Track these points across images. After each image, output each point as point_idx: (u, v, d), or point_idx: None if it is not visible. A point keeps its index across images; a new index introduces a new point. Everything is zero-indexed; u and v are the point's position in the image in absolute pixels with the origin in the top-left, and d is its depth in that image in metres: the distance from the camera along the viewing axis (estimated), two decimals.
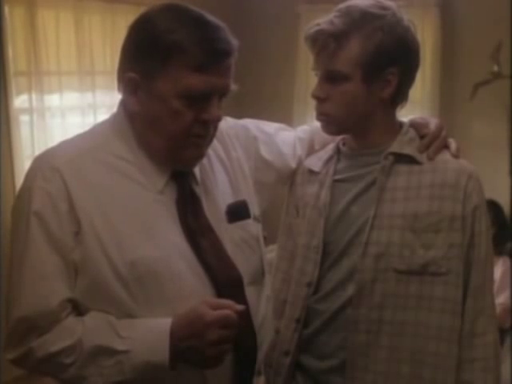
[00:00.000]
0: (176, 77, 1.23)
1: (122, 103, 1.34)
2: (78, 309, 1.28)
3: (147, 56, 1.24)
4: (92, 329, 1.25)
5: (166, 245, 1.28)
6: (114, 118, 1.37)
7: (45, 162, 1.29)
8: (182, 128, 1.26)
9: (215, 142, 1.42)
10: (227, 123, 1.53)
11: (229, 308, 1.21)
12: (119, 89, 1.32)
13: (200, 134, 1.28)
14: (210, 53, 1.23)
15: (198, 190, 1.37)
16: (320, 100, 1.46)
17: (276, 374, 1.58)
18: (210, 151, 1.41)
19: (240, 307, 1.22)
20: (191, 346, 1.21)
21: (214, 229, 1.35)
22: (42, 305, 1.24)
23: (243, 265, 1.37)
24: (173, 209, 1.32)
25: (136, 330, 1.23)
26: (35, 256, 1.25)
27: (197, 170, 1.38)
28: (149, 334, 1.23)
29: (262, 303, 1.44)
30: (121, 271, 1.24)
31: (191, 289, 1.29)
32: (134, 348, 1.22)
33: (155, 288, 1.26)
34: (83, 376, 1.24)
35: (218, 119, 1.29)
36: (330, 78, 1.44)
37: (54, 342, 1.25)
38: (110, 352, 1.22)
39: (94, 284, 1.25)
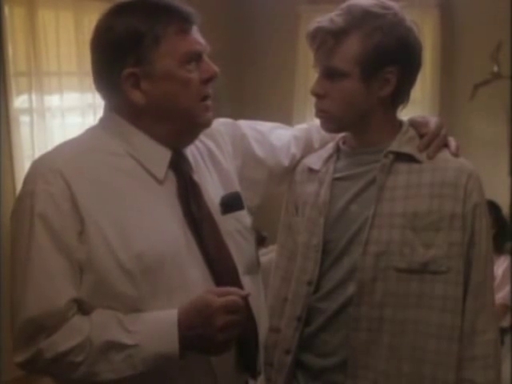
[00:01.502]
0: (170, 49, 1.30)
1: (117, 106, 1.35)
2: (83, 308, 1.28)
3: (135, 47, 1.29)
4: (100, 325, 1.25)
5: (168, 235, 1.31)
6: (103, 121, 1.39)
7: (44, 165, 1.31)
8: (195, 93, 1.33)
9: (206, 138, 1.47)
10: (218, 121, 1.55)
11: (234, 294, 1.24)
12: (105, 96, 1.35)
13: (208, 95, 1.35)
14: (184, 17, 1.32)
15: (197, 178, 1.40)
16: (319, 97, 1.47)
17: (277, 373, 1.58)
18: (200, 146, 1.47)
19: (244, 292, 1.26)
20: (200, 334, 1.23)
21: (214, 216, 1.38)
22: (49, 305, 1.25)
23: (238, 255, 1.40)
24: (174, 198, 1.35)
25: (144, 324, 1.25)
26: (40, 257, 1.25)
27: (191, 160, 1.41)
28: (157, 326, 1.24)
29: (258, 293, 1.47)
30: (126, 265, 1.26)
31: (193, 278, 1.31)
32: (143, 341, 1.23)
33: (161, 279, 1.28)
34: (95, 372, 1.25)
35: (217, 73, 1.35)
36: (329, 74, 1.44)
37: (63, 341, 1.25)
38: (119, 347, 1.23)
39: (100, 281, 1.26)
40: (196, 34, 1.34)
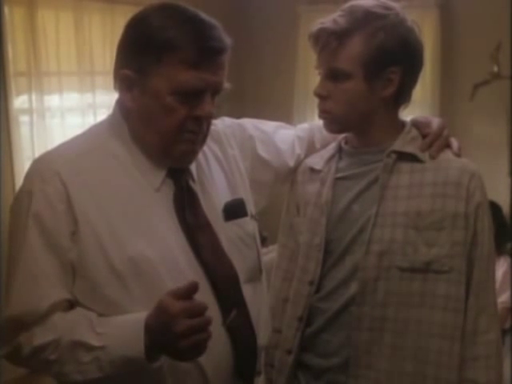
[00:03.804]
0: (169, 74, 1.25)
1: (118, 102, 1.36)
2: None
3: (141, 53, 1.26)
4: (70, 324, 1.25)
5: (164, 241, 1.30)
6: (110, 119, 1.38)
7: (43, 165, 1.32)
8: (175, 124, 1.28)
9: (212, 142, 1.44)
10: (224, 123, 1.55)
11: (188, 292, 1.16)
12: (115, 87, 1.33)
13: (193, 130, 1.30)
14: (203, 50, 1.25)
15: (195, 187, 1.38)
16: (322, 98, 1.47)
17: (278, 373, 1.58)
18: (206, 150, 1.44)
19: (192, 283, 1.17)
20: (162, 340, 1.18)
21: (212, 224, 1.36)
22: (32, 306, 1.26)
23: (239, 262, 1.39)
24: (170, 205, 1.34)
25: (112, 326, 1.23)
26: (29, 257, 1.26)
27: (193, 168, 1.39)
28: (124, 328, 1.22)
29: (259, 301, 1.45)
30: (119, 269, 1.25)
31: None
32: (110, 343, 1.21)
33: (154, 284, 1.27)
34: (65, 373, 1.25)
35: (211, 115, 1.31)
36: (332, 75, 1.45)
37: (38, 336, 1.26)
38: (86, 348, 1.22)
39: (93, 283, 1.26)
40: (211, 69, 1.26)
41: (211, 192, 1.41)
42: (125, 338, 1.21)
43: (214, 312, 1.31)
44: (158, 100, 1.26)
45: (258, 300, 1.45)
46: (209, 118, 1.31)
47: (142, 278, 1.26)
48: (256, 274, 1.46)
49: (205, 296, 1.30)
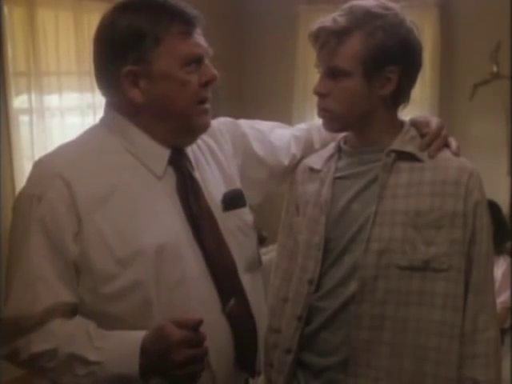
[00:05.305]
0: (172, 49, 1.30)
1: (111, 105, 1.37)
2: (82, 312, 1.29)
3: (136, 46, 1.29)
4: (69, 336, 1.25)
5: (167, 230, 1.31)
6: (104, 120, 1.40)
7: (45, 168, 1.33)
8: (193, 94, 1.32)
9: (207, 136, 1.48)
10: (219, 120, 1.57)
11: (193, 325, 1.19)
12: (106, 94, 1.36)
13: (205, 99, 1.35)
14: (188, 19, 1.31)
15: (197, 175, 1.40)
16: (321, 96, 1.48)
17: (278, 373, 1.57)
18: (201, 144, 1.47)
19: (198, 318, 1.19)
20: (159, 365, 1.19)
21: (213, 212, 1.38)
22: (26, 311, 1.26)
23: (238, 252, 1.41)
24: (174, 193, 1.35)
25: (110, 341, 1.24)
26: (27, 262, 1.27)
27: (191, 156, 1.41)
28: (121, 345, 1.23)
29: (259, 290, 1.47)
30: (125, 263, 1.26)
31: (191, 275, 1.31)
32: (107, 359, 1.22)
33: (160, 275, 1.27)
34: (60, 383, 1.25)
35: (216, 76, 1.35)
36: (332, 74, 1.45)
37: (36, 343, 1.26)
38: (83, 362, 1.23)
39: (97, 281, 1.26)
40: (199, 36, 1.34)
41: (208, 183, 1.43)
42: (121, 355, 1.21)
43: (213, 300, 1.34)
44: (170, 79, 1.30)
45: (258, 289, 1.47)
46: (215, 79, 1.35)
47: (148, 269, 1.27)
48: (255, 264, 1.48)
49: (204, 284, 1.32)
